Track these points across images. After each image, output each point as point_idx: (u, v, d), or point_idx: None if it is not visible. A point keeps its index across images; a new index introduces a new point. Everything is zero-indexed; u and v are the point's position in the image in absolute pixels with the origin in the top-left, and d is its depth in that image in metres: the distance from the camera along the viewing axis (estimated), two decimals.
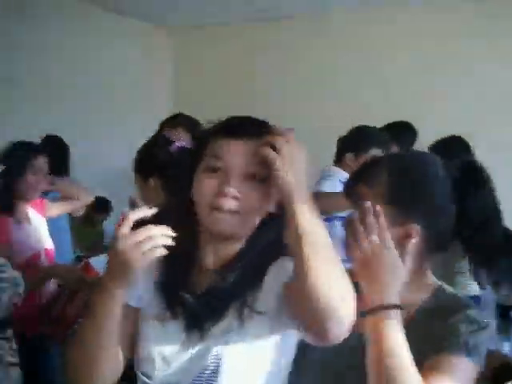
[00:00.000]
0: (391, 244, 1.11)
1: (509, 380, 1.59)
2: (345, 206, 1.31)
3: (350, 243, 1.15)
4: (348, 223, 1.16)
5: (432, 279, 1.25)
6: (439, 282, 1.25)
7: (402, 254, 1.13)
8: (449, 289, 1.24)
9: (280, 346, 1.15)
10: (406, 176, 1.19)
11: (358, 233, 1.12)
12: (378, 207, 1.12)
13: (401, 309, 1.09)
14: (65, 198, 3.06)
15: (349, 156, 2.81)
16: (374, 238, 1.11)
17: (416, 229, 1.16)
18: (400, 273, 1.12)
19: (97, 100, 4.88)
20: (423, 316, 1.18)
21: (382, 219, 1.12)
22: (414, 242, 1.15)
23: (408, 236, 1.15)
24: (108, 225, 4.82)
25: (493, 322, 1.17)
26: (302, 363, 1.21)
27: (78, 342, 1.12)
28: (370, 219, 1.12)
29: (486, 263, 1.30)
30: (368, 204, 1.12)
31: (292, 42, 5.04)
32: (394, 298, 1.09)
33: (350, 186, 1.26)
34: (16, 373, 2.18)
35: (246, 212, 1.11)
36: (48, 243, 2.74)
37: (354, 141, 2.84)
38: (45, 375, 2.64)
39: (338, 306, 0.96)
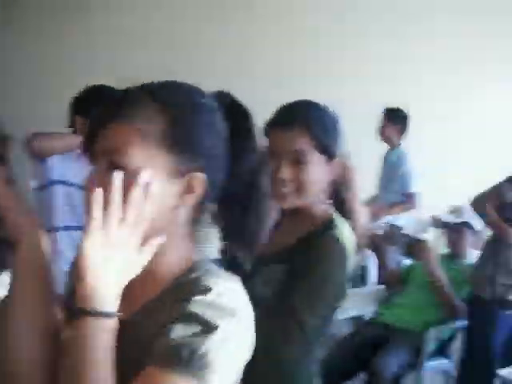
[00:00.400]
0: (139, 235, 0.83)
1: None
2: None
3: (89, 213, 0.83)
4: (88, 184, 0.86)
5: (193, 250, 0.94)
6: (201, 257, 0.94)
7: (176, 218, 0.88)
8: (209, 266, 0.90)
9: None
10: (183, 108, 0.88)
11: (106, 203, 0.81)
12: (153, 183, 0.83)
13: (114, 317, 0.81)
14: None
15: (79, 120, 2.48)
16: (129, 217, 0.81)
17: (200, 179, 0.88)
18: (132, 273, 0.84)
19: None
20: (161, 300, 0.88)
21: (151, 196, 0.83)
22: (195, 196, 0.88)
23: (189, 190, 0.87)
24: None
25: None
26: None
27: None
28: (135, 193, 0.82)
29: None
30: (144, 174, 0.82)
31: None
32: (112, 305, 0.81)
33: (95, 127, 0.89)
34: None
35: None
36: None
37: (85, 103, 2.49)
38: None
39: None
